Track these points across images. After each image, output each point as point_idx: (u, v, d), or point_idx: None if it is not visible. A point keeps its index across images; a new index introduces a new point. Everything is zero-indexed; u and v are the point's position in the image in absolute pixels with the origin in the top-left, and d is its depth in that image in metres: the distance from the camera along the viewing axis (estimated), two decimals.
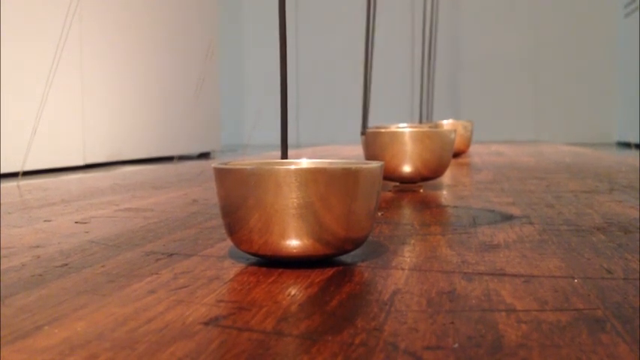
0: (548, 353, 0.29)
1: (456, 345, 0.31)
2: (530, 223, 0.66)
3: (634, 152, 2.45)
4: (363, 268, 0.47)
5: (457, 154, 1.79)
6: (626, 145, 3.11)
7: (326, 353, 0.30)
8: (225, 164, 0.48)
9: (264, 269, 0.46)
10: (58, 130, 1.87)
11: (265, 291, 0.41)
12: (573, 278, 0.43)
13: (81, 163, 1.98)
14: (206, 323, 0.34)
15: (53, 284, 0.43)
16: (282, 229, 0.45)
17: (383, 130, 0.99)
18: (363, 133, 0.97)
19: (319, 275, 0.44)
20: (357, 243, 0.48)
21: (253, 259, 0.49)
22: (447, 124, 1.91)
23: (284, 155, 0.53)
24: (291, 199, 0.44)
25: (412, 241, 0.58)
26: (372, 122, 1.09)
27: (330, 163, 0.53)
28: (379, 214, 0.74)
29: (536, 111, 3.59)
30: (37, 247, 0.56)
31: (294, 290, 0.41)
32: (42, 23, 1.77)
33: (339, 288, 0.41)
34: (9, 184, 1.20)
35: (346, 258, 0.50)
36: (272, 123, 2.99)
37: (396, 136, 0.93)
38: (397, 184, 0.97)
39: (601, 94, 3.53)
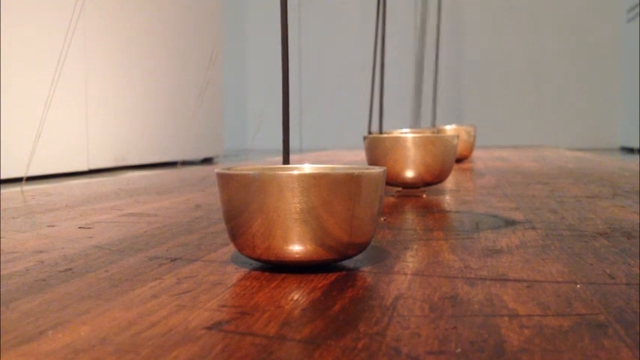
0: (550, 358, 0.29)
1: (459, 350, 0.31)
2: (533, 228, 0.66)
3: (637, 157, 2.45)
4: (366, 273, 0.47)
5: (460, 159, 1.79)
6: (630, 150, 3.10)
7: (329, 358, 0.30)
8: (228, 169, 0.49)
9: (267, 274, 0.46)
10: (61, 136, 1.88)
11: (268, 296, 0.41)
12: (576, 283, 0.43)
13: (85, 168, 1.98)
14: (209, 328, 0.34)
15: (57, 289, 0.43)
16: (285, 234, 0.45)
17: (386, 136, 0.99)
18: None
19: (322, 280, 0.45)
20: (359, 248, 0.48)
21: (256, 264, 0.49)
22: (449, 129, 1.91)
23: (285, 161, 0.53)
24: (293, 204, 0.44)
25: (415, 246, 0.58)
26: (375, 127, 1.09)
27: (333, 168, 0.53)
28: (382, 219, 0.74)
29: (540, 116, 3.59)
30: (41, 252, 0.56)
31: (296, 295, 0.41)
32: (45, 28, 1.77)
33: (341, 293, 0.41)
34: (13, 189, 1.21)
35: (349, 263, 0.50)
36: (275, 128, 2.98)
37: (398, 141, 0.93)
38: (400, 189, 0.97)
39: (604, 99, 3.53)
